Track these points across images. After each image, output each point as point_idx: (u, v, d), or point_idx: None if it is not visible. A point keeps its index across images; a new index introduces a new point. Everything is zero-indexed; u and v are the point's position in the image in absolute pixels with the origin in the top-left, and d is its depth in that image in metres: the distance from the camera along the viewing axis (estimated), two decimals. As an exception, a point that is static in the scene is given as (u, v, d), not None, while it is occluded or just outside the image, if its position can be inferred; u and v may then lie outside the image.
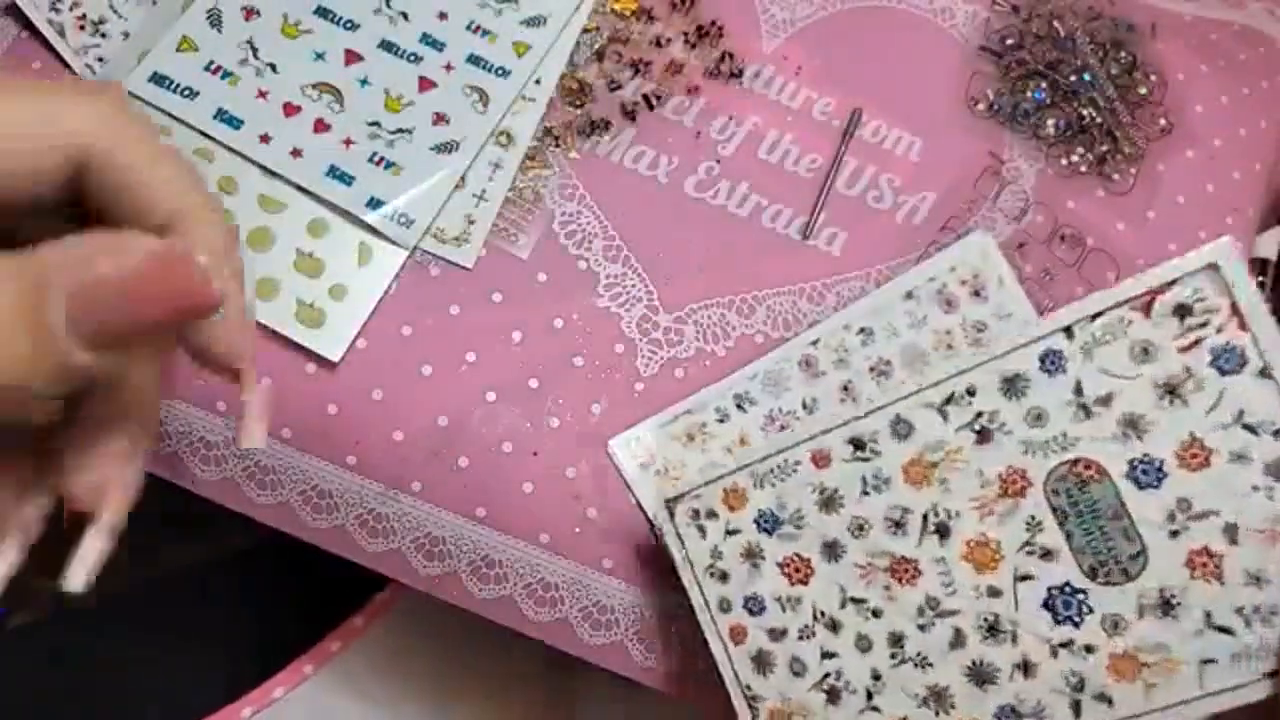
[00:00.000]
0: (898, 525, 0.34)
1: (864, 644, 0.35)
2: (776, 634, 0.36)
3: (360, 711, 0.44)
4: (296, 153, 0.42)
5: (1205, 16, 0.46)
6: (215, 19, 0.43)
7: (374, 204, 0.41)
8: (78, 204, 0.24)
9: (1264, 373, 0.30)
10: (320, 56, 0.43)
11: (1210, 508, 0.31)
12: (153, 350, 0.26)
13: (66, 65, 0.42)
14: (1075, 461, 0.32)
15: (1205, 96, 0.43)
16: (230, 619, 0.48)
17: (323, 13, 0.44)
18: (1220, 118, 0.43)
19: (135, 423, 0.25)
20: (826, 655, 0.36)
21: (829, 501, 0.35)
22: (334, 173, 0.42)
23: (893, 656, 0.35)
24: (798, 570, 0.36)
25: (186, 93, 0.42)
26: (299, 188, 0.41)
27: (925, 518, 0.34)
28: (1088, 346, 0.32)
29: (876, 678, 0.35)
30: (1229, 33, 0.46)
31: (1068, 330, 0.32)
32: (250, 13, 0.43)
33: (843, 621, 0.35)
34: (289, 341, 0.39)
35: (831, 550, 0.35)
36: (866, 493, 0.35)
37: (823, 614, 0.35)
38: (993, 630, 0.33)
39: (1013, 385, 0.32)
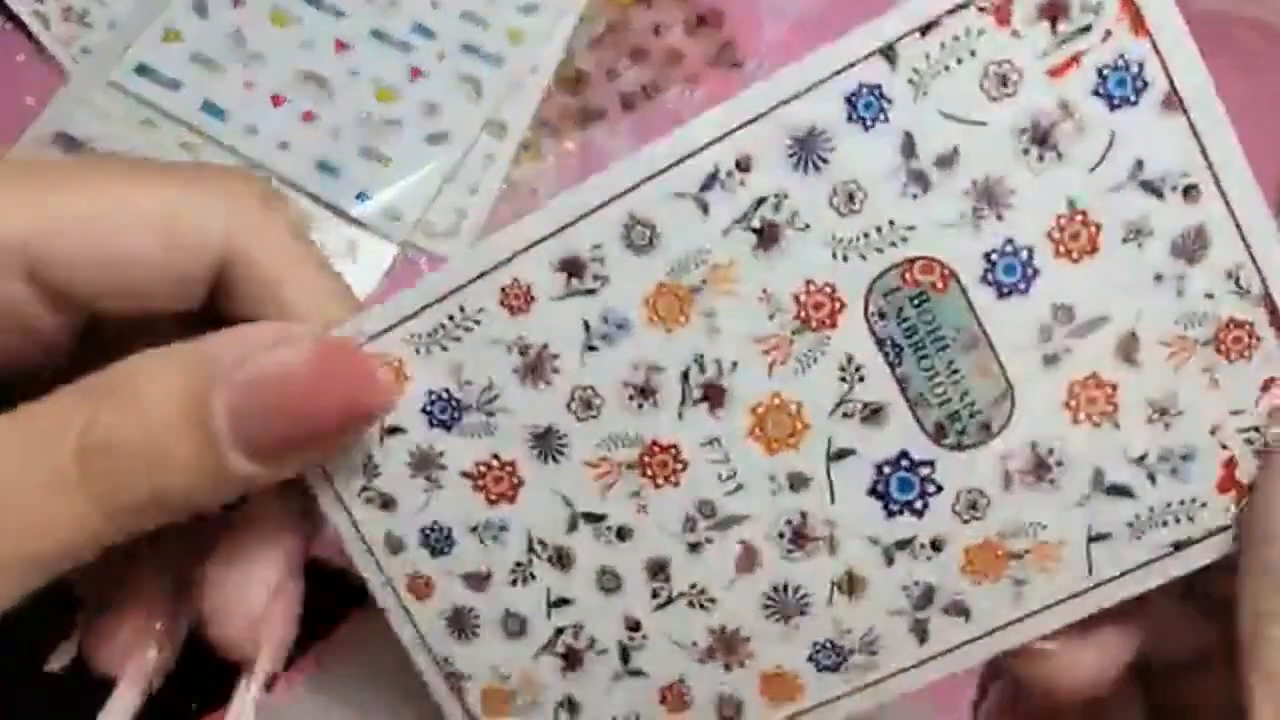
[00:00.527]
0: (644, 393, 0.22)
1: (609, 581, 0.23)
2: (476, 580, 0.23)
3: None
4: (284, 145, 0.41)
5: (1218, 9, 0.45)
6: (201, 8, 0.43)
7: (362, 197, 0.41)
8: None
9: (1170, 101, 0.19)
10: (309, 46, 0.42)
11: (1098, 313, 0.20)
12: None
13: (51, 57, 0.42)
14: (909, 264, 0.20)
15: (1221, 92, 0.40)
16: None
17: (312, 0, 0.43)
18: (1236, 113, 0.39)
19: (292, 544, 0.23)
20: (556, 603, 0.23)
21: (535, 366, 0.22)
22: (322, 165, 0.41)
23: (655, 595, 0.22)
24: (498, 481, 0.23)
25: (172, 84, 0.42)
26: (286, 181, 0.41)
27: (686, 377, 0.21)
28: (919, 77, 0.20)
29: (634, 628, 0.23)
30: (1243, 26, 0.45)
31: (887, 53, 0.20)
32: (238, 0, 0.43)
33: (574, 551, 0.23)
34: None
35: (545, 444, 0.22)
36: (593, 346, 0.22)
37: (542, 544, 0.23)
38: (799, 538, 0.22)
39: (807, 148, 0.20)
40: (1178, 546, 0.21)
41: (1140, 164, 0.19)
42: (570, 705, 0.23)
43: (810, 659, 0.22)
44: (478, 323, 0.22)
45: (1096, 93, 0.19)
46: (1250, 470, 0.20)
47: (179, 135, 0.42)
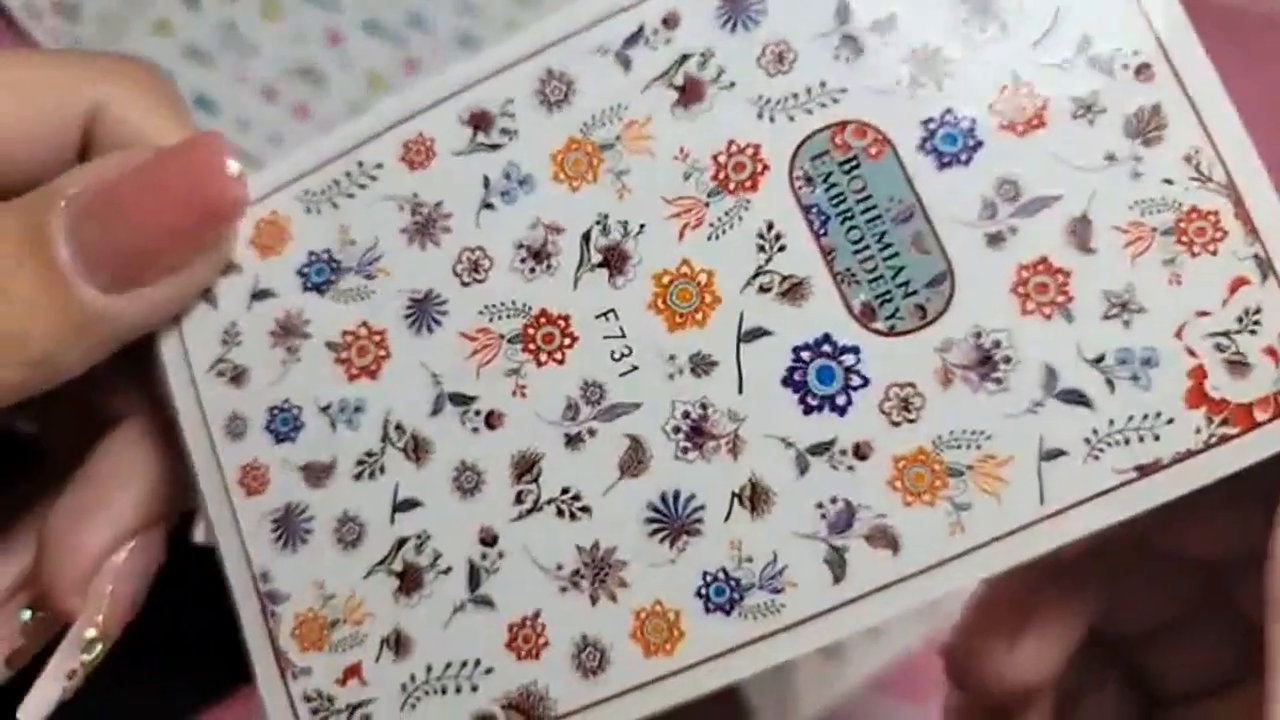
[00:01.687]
0: (538, 256, 0.19)
1: (468, 480, 0.19)
2: (317, 472, 0.19)
3: None
4: (276, 139, 0.40)
5: (1226, 3, 0.44)
6: (192, 0, 0.41)
7: None
8: None
9: (1119, -21, 0.18)
10: (301, 38, 0.41)
11: (1047, 191, 0.18)
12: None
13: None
14: (840, 127, 0.19)
15: (1231, 88, 0.42)
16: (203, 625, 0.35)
17: (306, -10, 0.42)
18: (1246, 109, 0.41)
19: (147, 492, 0.20)
20: (402, 506, 0.19)
21: (425, 226, 0.20)
22: None
23: (519, 500, 0.19)
24: (362, 352, 0.20)
25: (164, 77, 0.37)
26: None
27: (586, 239, 0.19)
28: (856, -57, 0.19)
29: (488, 542, 0.19)
30: (1251, 20, 0.44)
31: (825, -80, 0.19)
32: (230, -9, 0.41)
33: (433, 440, 0.19)
34: None
35: (422, 310, 0.19)
36: (489, 204, 0.19)
37: (399, 429, 0.19)
38: (696, 435, 0.18)
39: (738, 6, 0.19)
40: (1142, 471, 0.17)
41: (1087, 39, 0.18)
42: (397, 642, 0.19)
43: (698, 593, 0.18)
44: (373, 179, 0.20)
45: None
46: (1222, 382, 0.17)
47: None
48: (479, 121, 0.20)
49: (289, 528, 0.19)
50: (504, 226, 0.19)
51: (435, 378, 0.19)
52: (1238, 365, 0.17)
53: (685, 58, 0.19)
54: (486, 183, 0.19)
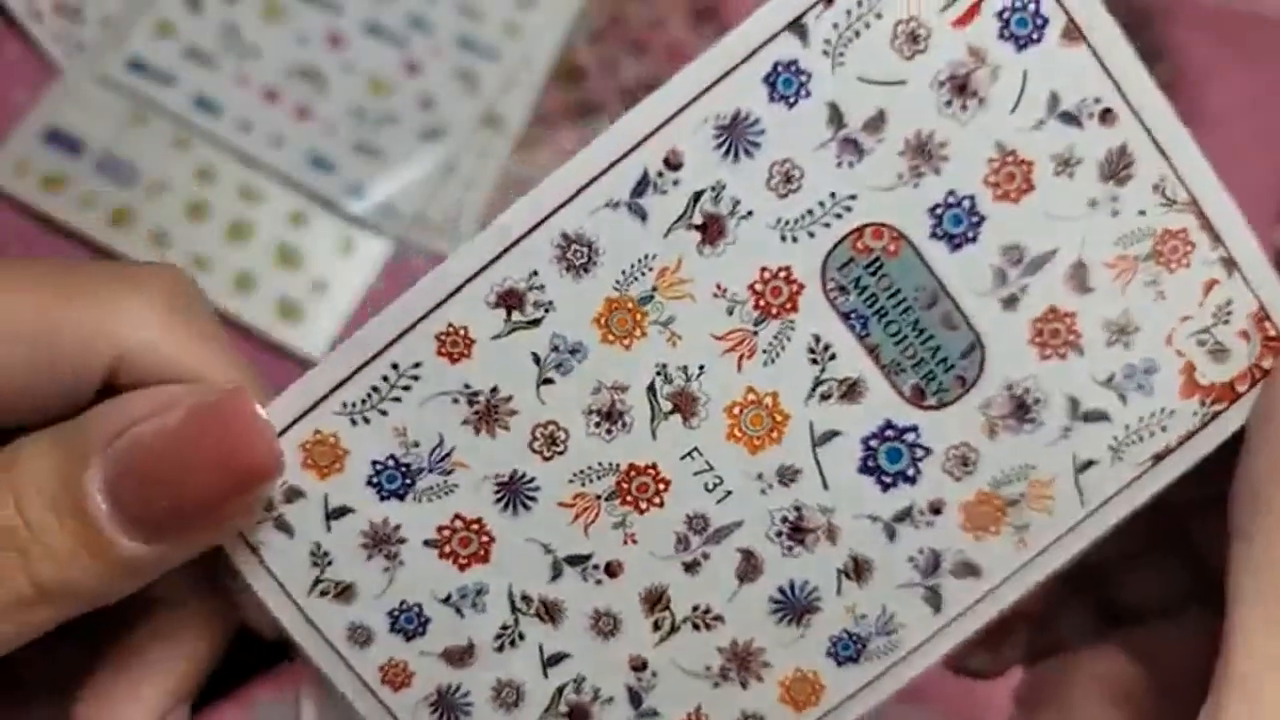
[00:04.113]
0: (610, 417, 0.20)
1: (606, 624, 0.21)
2: (458, 654, 0.21)
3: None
4: (278, 141, 0.41)
5: (1224, 6, 0.46)
6: (194, 2, 0.42)
7: (357, 193, 0.41)
8: None
9: (1070, 32, 0.20)
10: (303, 40, 0.42)
11: (1046, 248, 0.20)
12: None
13: (44, 52, 0.42)
14: (858, 233, 0.20)
15: (1224, 87, 0.42)
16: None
17: (306, -6, 0.43)
18: (1239, 108, 0.41)
19: (181, 678, 0.21)
20: (551, 660, 0.21)
21: (487, 413, 0.20)
22: (316, 161, 0.41)
23: (656, 627, 0.21)
24: (466, 543, 0.21)
25: (165, 79, 0.42)
26: (280, 177, 0.41)
27: (652, 391, 0.20)
28: (832, 47, 0.19)
29: (639, 667, 0.21)
30: (1249, 22, 0.45)
31: (797, 27, 0.19)
32: (230, -7, 0.42)
33: (562, 600, 0.21)
34: (267, 341, 0.38)
35: (512, 492, 0.20)
36: (548, 379, 0.20)
37: (526, 599, 0.21)
38: (797, 533, 0.21)
39: (735, 134, 0.19)
40: (1157, 458, 0.21)
41: (1055, 96, 0.20)
42: None
43: (829, 654, 0.21)
44: (416, 378, 0.20)
45: (1002, 35, 0.19)
46: (1209, 370, 0.21)
47: (173, 131, 0.41)
48: (509, 300, 0.20)
49: (448, 706, 0.21)
50: (569, 397, 0.20)
51: (546, 547, 0.21)
52: (1219, 353, 0.21)
53: (699, 195, 0.20)
54: (537, 359, 0.20)
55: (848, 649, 0.21)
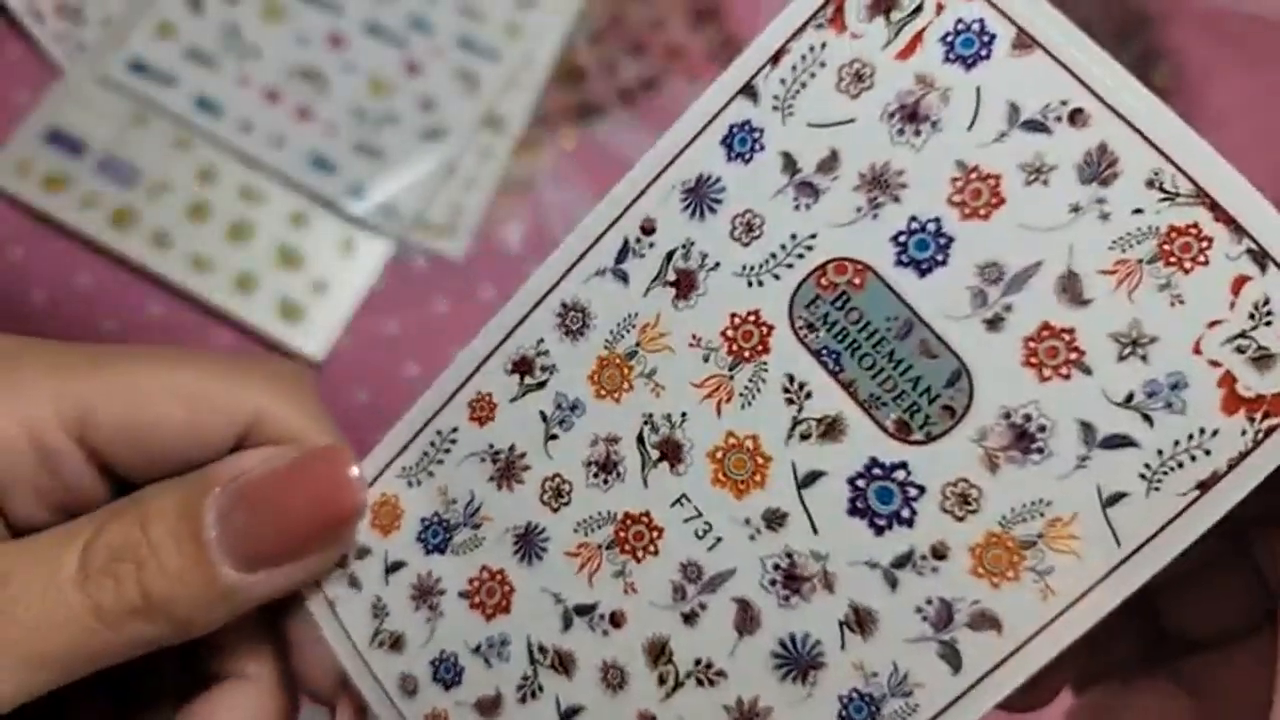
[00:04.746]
0: (605, 467, 0.21)
1: (614, 677, 0.21)
2: (488, 706, 0.22)
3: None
4: (279, 141, 0.41)
5: (1223, 6, 0.46)
6: (196, 3, 0.42)
7: (358, 194, 0.40)
8: None
9: (1021, 42, 0.19)
10: (303, 41, 0.42)
11: (1028, 262, 0.19)
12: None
13: (45, 53, 0.41)
14: (821, 270, 0.20)
15: (1223, 87, 0.43)
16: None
17: (307, -5, 0.40)
18: (1238, 108, 0.42)
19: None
20: (567, 715, 0.22)
21: (507, 469, 0.22)
22: (317, 162, 0.41)
23: (661, 681, 0.21)
24: (491, 593, 0.22)
25: (166, 80, 0.41)
26: (281, 178, 0.40)
27: (641, 440, 0.21)
28: (780, 102, 0.21)
29: (649, 725, 0.21)
30: (1247, 22, 0.45)
31: (748, 91, 0.21)
32: (233, -5, 0.39)
33: (573, 651, 0.22)
34: (268, 341, 0.38)
35: (527, 543, 0.22)
36: (553, 435, 0.22)
37: (542, 650, 0.22)
38: (790, 580, 0.20)
39: (699, 195, 0.21)
40: (1204, 487, 0.18)
41: (1015, 107, 0.19)
42: None
43: (841, 716, 0.20)
44: (454, 442, 0.23)
45: (948, 59, 0.20)
46: (1253, 381, 0.18)
47: (174, 132, 0.41)
48: (522, 367, 0.22)
49: (484, 759, 0.22)
50: (571, 450, 0.22)
51: (557, 597, 0.22)
52: (1263, 359, 0.18)
53: (671, 254, 0.21)
54: (544, 417, 0.22)
55: (860, 710, 0.20)
